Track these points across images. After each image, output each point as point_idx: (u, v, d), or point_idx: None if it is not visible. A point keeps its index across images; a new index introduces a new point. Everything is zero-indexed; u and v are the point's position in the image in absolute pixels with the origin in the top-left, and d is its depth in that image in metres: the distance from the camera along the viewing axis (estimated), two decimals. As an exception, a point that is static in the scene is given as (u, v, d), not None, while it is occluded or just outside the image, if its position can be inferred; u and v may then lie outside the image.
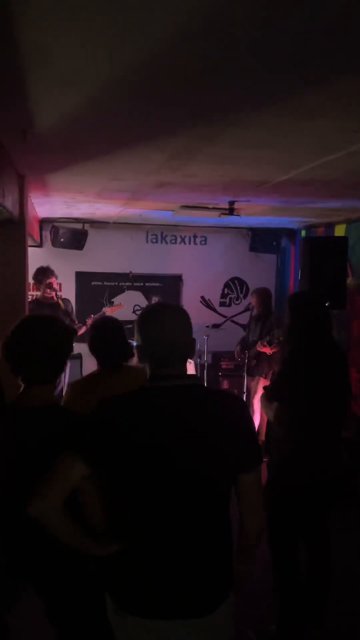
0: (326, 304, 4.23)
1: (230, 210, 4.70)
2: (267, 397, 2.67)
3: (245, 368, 5.66)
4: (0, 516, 1.65)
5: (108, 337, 2.44)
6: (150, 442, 1.42)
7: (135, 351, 1.56)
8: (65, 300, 5.33)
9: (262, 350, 5.41)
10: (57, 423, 1.64)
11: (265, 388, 2.76)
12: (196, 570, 1.47)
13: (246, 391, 5.73)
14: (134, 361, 1.81)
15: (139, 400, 1.48)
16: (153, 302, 6.31)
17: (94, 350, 2.45)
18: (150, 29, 1.40)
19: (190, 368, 6.16)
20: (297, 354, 2.71)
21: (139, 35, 1.45)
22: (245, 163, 3.04)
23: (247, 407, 1.68)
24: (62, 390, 3.85)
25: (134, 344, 1.60)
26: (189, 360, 1.64)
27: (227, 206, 4.68)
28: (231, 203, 4.59)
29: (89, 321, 5.00)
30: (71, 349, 1.75)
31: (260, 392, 5.51)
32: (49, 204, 5.14)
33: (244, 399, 5.71)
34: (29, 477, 1.47)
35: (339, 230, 5.83)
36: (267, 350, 5.36)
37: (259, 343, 5.45)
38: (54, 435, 1.57)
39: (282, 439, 2.65)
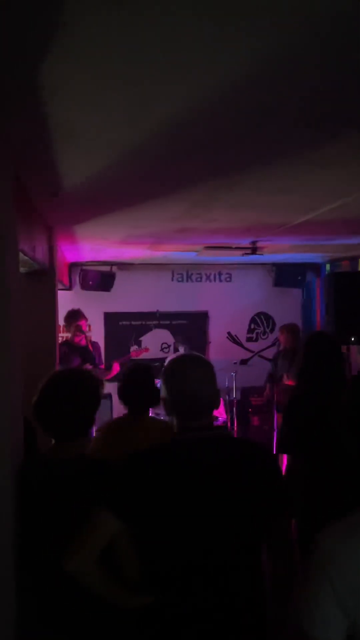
0: (348, 340, 4.20)
1: (253, 250, 4.78)
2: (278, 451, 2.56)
3: (275, 404, 5.63)
4: (34, 567, 1.69)
5: (137, 385, 2.53)
6: (181, 495, 1.46)
7: (162, 404, 1.62)
8: (94, 344, 5.44)
9: (288, 383, 5.40)
10: (88, 474, 1.69)
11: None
12: (231, 619, 1.48)
13: (277, 428, 5.69)
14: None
15: (169, 454, 1.52)
16: (177, 343, 6.38)
17: (122, 396, 2.54)
18: (167, 100, 1.51)
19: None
20: (300, 401, 2.66)
21: (157, 106, 1.57)
22: (264, 208, 3.13)
23: (274, 456, 1.70)
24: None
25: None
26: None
27: (249, 245, 4.77)
28: (253, 243, 4.68)
29: (115, 364, 5.11)
30: (99, 404, 1.81)
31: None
32: (77, 249, 5.33)
33: (274, 435, 5.67)
34: (61, 529, 1.52)
35: (363, 264, 5.84)
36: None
37: (285, 376, 5.45)
38: (85, 487, 1.63)
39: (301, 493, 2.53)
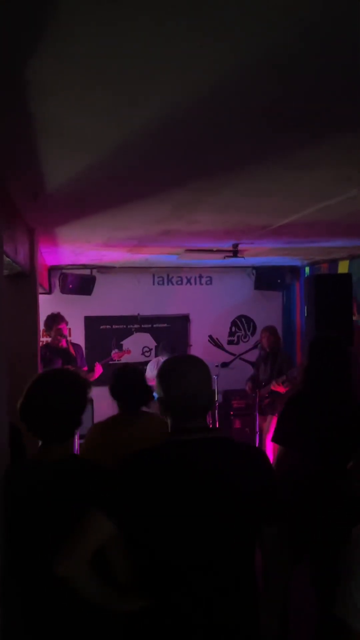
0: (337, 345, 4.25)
1: (234, 253, 4.80)
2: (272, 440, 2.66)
3: (257, 407, 5.64)
4: (23, 573, 1.65)
5: (129, 384, 2.57)
6: (178, 497, 1.44)
7: (157, 404, 1.60)
8: (76, 346, 5.39)
9: (276, 389, 5.41)
10: (79, 475, 1.66)
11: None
12: (223, 624, 1.47)
13: (258, 430, 5.70)
14: (154, 408, 1.87)
15: (164, 455, 1.50)
16: (158, 349, 6.36)
17: (115, 395, 2.56)
18: (155, 99, 1.50)
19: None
20: (303, 397, 2.70)
21: (145, 105, 1.55)
22: (248, 210, 3.14)
23: (270, 460, 1.69)
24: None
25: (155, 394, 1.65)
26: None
27: (231, 248, 4.78)
28: (235, 245, 4.69)
29: (97, 366, 5.08)
30: (86, 404, 1.79)
31: (272, 431, 5.47)
32: (57, 253, 5.28)
33: (257, 438, 5.68)
34: (52, 532, 1.48)
35: (343, 267, 5.91)
36: (281, 389, 5.36)
37: (274, 381, 5.45)
38: (77, 488, 1.59)
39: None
